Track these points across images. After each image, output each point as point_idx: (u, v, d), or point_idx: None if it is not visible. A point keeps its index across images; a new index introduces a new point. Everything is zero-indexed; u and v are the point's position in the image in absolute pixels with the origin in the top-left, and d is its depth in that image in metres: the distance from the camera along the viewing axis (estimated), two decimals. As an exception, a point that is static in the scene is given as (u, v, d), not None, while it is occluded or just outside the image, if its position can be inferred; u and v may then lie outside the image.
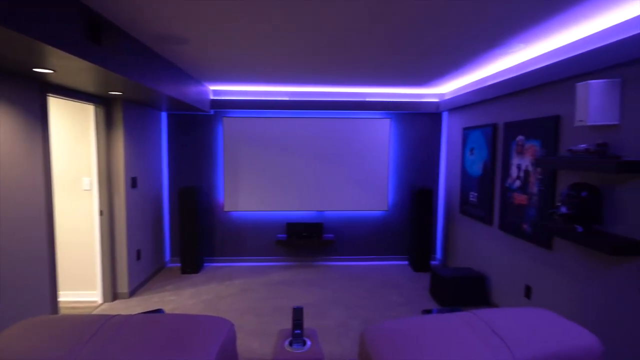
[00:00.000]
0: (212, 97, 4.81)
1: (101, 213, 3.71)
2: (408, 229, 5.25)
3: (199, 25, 2.33)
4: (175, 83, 3.46)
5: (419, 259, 4.86)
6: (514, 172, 3.38)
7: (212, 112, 4.95)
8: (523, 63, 3.16)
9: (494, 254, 3.76)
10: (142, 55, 2.74)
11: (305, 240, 4.95)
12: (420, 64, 3.33)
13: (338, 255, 5.27)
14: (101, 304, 3.77)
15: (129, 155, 3.94)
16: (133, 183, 4.04)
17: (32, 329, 1.19)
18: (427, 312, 2.65)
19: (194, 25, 2.34)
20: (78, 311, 3.63)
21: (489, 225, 3.84)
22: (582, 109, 2.36)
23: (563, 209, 2.43)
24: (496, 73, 3.58)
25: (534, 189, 3.08)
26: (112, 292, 3.84)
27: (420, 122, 5.17)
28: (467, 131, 4.33)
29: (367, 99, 4.90)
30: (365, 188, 5.11)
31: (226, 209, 5.01)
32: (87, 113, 3.71)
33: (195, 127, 4.99)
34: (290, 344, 1.94)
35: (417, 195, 4.80)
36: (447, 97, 4.76)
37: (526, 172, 3.20)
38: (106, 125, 3.73)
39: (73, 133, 3.71)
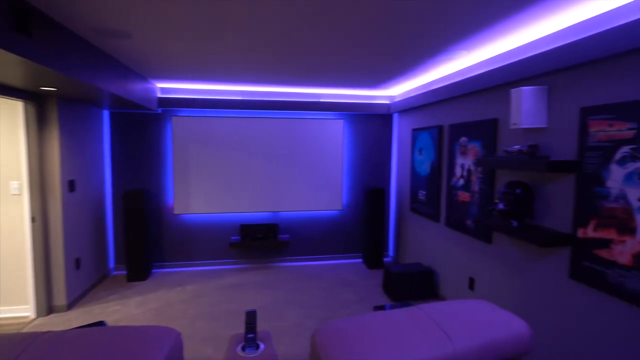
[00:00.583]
0: (159, 95, 4.58)
1: (33, 220, 3.39)
2: (362, 227, 5.37)
3: (142, 19, 2.21)
4: (118, 79, 3.25)
5: (373, 256, 4.99)
6: (458, 171, 3.59)
7: (159, 110, 4.72)
8: (465, 69, 3.36)
9: (441, 249, 3.96)
10: (79, 49, 2.55)
11: (260, 242, 4.89)
12: (372, 67, 3.42)
13: (293, 255, 5.26)
14: (34, 320, 3.45)
15: (65, 156, 3.64)
16: (71, 186, 3.75)
17: (-56, 352, 1.06)
18: (379, 308, 2.73)
19: (136, 19, 2.22)
20: (6, 329, 3.29)
21: (437, 222, 4.04)
22: (515, 113, 2.56)
23: (500, 206, 2.62)
24: (442, 77, 3.77)
25: (476, 187, 3.29)
26: (47, 306, 3.53)
27: (372, 123, 5.31)
28: (416, 132, 4.51)
29: (321, 100, 4.94)
30: (320, 188, 5.15)
31: (176, 211, 4.81)
32: (15, 110, 3.38)
33: (142, 127, 4.74)
34: (243, 348, 1.91)
35: (370, 195, 4.93)
36: (397, 100, 4.93)
37: (469, 171, 3.40)
38: (38, 124, 3.42)
39: (-2, 132, 3.36)
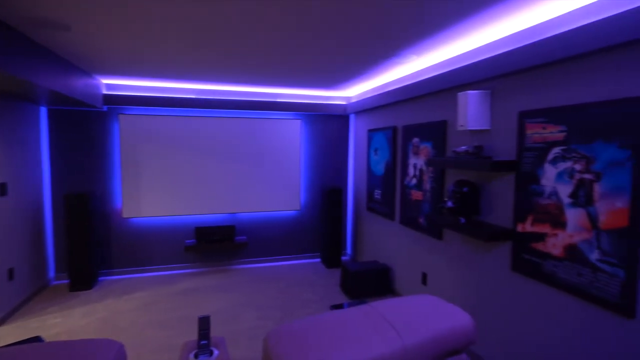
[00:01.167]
0: (105, 91, 4.31)
1: (-44, 227, 3.05)
2: (320, 227, 5.40)
3: (80, 9, 2.06)
4: (56, 74, 3.01)
5: (331, 255, 5.04)
6: (411, 171, 3.72)
7: (105, 108, 4.44)
8: (417, 72, 3.49)
9: (396, 246, 4.08)
10: (9, 40, 2.33)
11: (216, 244, 4.75)
12: (327, 68, 3.45)
13: (251, 257, 5.18)
14: (-41, 338, 3.11)
15: (-5, 157, 3.32)
16: (2, 190, 3.42)
17: None
18: (336, 307, 2.77)
19: (75, 10, 2.06)
20: None
21: (392, 221, 4.16)
22: (462, 115, 2.69)
23: (449, 203, 2.75)
24: (395, 80, 3.89)
25: (428, 186, 3.43)
26: (-26, 322, 3.19)
27: (329, 123, 5.36)
28: (371, 133, 4.62)
29: (278, 100, 4.91)
30: (278, 188, 5.11)
31: (125, 215, 4.55)
32: None
33: (85, 125, 4.42)
34: (196, 356, 1.84)
35: (327, 194, 4.97)
36: (353, 101, 5.02)
37: (421, 170, 3.54)
38: (-39, 121, 3.08)
39: None
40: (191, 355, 1.86)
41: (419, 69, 3.43)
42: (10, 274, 3.55)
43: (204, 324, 1.89)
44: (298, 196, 5.20)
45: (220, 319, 3.52)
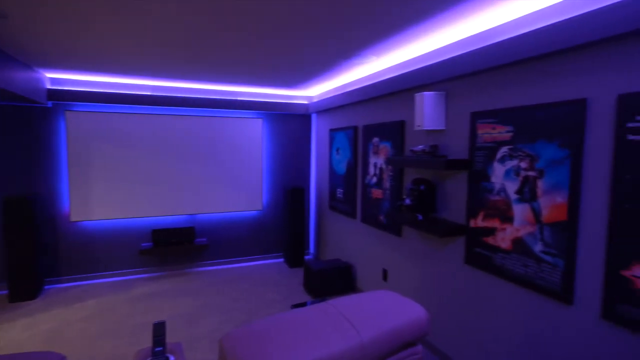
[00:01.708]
0: (49, 86, 4.01)
1: None
2: (283, 226, 5.37)
3: (18, -3, 1.90)
4: (-9, 66, 2.76)
5: (294, 255, 5.03)
6: (371, 170, 3.79)
7: (49, 104, 4.14)
8: (376, 73, 3.56)
9: (358, 244, 4.15)
10: None
11: (174, 247, 4.58)
12: (289, 66, 3.43)
13: (213, 259, 5.05)
14: None
15: None
16: None
17: None
18: (297, 306, 2.76)
19: (11, -3, 1.90)
20: None
21: (354, 219, 4.22)
22: (419, 115, 2.78)
23: (407, 201, 2.83)
24: (356, 80, 3.95)
25: (387, 184, 3.51)
26: None
27: (291, 122, 5.34)
28: (333, 132, 4.66)
29: (239, 98, 4.82)
30: (239, 188, 5.02)
31: (74, 219, 4.26)
32: None
33: (28, 122, 4.09)
34: (150, 364, 1.76)
35: (290, 194, 4.95)
36: (315, 100, 5.03)
37: (381, 169, 3.62)
38: None
39: None
40: (145, 364, 1.77)
41: (379, 69, 3.50)
42: (-61, 286, 3.21)
43: (159, 329, 1.81)
44: (260, 196, 5.14)
45: (179, 324, 3.40)
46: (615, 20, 1.59)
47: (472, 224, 2.50)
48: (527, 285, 2.12)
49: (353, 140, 4.12)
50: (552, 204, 1.97)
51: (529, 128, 2.09)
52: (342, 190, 4.46)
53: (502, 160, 2.26)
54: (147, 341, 3.08)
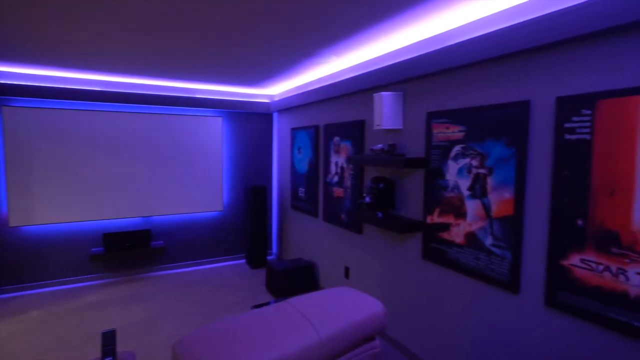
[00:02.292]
0: (-18, 79, 3.67)
1: None
2: (244, 226, 5.28)
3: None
4: None
5: (256, 255, 4.96)
6: (332, 168, 3.82)
7: (-17, 98, 3.78)
8: (337, 72, 3.59)
9: (320, 243, 4.16)
10: None
11: (128, 251, 4.36)
12: (250, 65, 3.37)
13: (171, 262, 4.86)
14: None
15: None
16: None
17: None
18: (258, 306, 2.72)
19: None
20: None
21: (316, 218, 4.23)
22: (378, 115, 2.84)
23: (367, 199, 2.88)
24: (317, 79, 3.96)
25: (348, 183, 3.56)
26: None
27: (252, 121, 5.25)
28: (294, 131, 4.64)
29: (197, 96, 4.67)
30: (199, 188, 4.87)
31: (13, 224, 3.93)
32: None
33: (-44, 118, 3.72)
34: (99, 375, 1.66)
35: (251, 193, 4.87)
36: (276, 99, 4.99)
37: (342, 168, 3.66)
38: None
39: None
40: (94, 375, 1.67)
41: (339, 69, 3.53)
42: None
43: (108, 339, 1.71)
44: (221, 196, 5.01)
45: (134, 331, 3.23)
46: (554, 27, 1.71)
47: (428, 220, 2.59)
48: (479, 277, 2.23)
49: (314, 140, 4.13)
50: (500, 200, 2.08)
51: (479, 128, 2.19)
52: (304, 189, 4.46)
53: (456, 158, 2.36)
54: (98, 352, 2.90)
